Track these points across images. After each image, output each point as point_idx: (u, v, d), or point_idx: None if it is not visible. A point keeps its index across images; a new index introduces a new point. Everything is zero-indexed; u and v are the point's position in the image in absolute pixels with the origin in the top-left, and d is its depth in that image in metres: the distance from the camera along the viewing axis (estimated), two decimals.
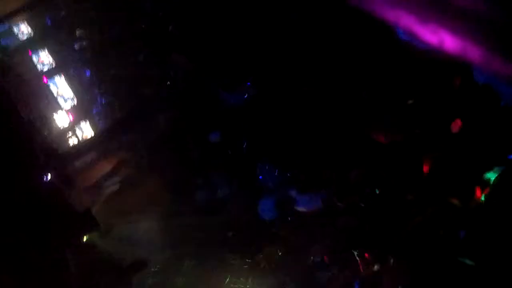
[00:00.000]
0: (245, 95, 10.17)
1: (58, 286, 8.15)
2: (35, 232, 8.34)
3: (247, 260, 10.78)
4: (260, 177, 9.43)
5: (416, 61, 6.00)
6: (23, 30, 18.11)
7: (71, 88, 18.44)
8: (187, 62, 11.95)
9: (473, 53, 4.72)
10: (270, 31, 8.58)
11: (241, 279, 10.59)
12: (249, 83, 9.91)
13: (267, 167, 9.57)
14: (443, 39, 4.70)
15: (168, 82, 13.10)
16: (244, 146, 10.40)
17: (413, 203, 6.51)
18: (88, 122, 18.21)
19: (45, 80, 18.20)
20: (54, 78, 18.31)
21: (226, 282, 10.83)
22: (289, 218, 9.11)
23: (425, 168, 6.37)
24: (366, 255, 7.11)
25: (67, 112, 18.28)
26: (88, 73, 17.60)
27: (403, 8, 4.90)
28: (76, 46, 17.46)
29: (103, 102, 17.50)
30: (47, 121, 16.98)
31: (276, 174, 9.39)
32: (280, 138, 8.99)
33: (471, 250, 5.87)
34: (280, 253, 9.93)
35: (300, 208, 8.05)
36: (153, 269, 11.44)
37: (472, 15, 4.67)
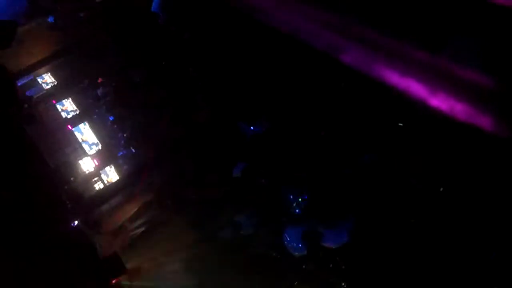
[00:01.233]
0: (262, 127, 10.33)
1: None
2: (62, 276, 8.41)
3: None
4: (286, 202, 9.43)
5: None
6: (47, 80, 18.66)
7: (95, 134, 18.81)
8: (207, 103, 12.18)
9: (481, 120, 4.89)
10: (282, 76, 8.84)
11: None
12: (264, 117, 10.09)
13: (292, 194, 9.57)
14: (453, 107, 4.84)
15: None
16: (266, 178, 10.45)
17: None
18: (113, 167, 18.48)
19: (69, 127, 18.61)
20: (78, 125, 18.73)
21: None
22: (318, 253, 9.02)
23: None
24: None
25: (92, 157, 18.60)
26: (111, 118, 17.94)
27: (413, 77, 5.09)
28: (99, 93, 17.89)
29: (127, 146, 17.78)
30: (73, 167, 17.28)
31: (300, 200, 9.38)
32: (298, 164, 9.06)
33: None
34: None
35: (327, 244, 7.99)
36: None
37: (479, 85, 4.86)
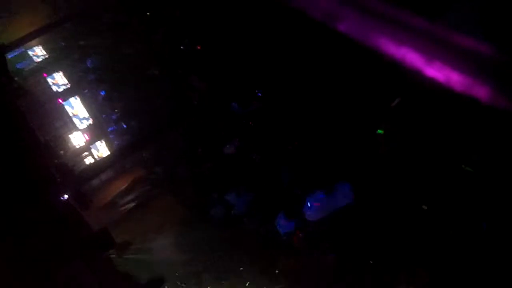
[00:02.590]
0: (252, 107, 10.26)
1: None
2: (51, 249, 8.37)
3: (265, 274, 10.70)
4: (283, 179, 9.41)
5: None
6: (38, 53, 18.42)
7: (86, 108, 18.65)
8: (201, 82, 12.05)
9: (479, 91, 4.79)
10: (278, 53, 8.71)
11: None
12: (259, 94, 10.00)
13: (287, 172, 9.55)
14: (449, 76, 4.74)
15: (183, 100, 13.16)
16: (258, 154, 10.42)
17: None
18: (103, 141, 18.39)
19: (60, 101, 18.43)
20: (69, 99, 18.56)
21: None
22: (304, 230, 9.03)
23: None
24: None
25: (82, 132, 18.48)
26: (103, 93, 17.78)
27: (409, 46, 4.97)
28: (90, 66, 17.69)
29: (118, 121, 17.66)
30: (63, 141, 17.18)
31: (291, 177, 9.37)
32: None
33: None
34: (297, 267, 9.86)
35: (311, 217, 7.97)
36: (170, 285, 11.40)
37: (476, 54, 4.76)
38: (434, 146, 6.21)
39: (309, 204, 8.37)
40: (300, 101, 8.22)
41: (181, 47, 12.85)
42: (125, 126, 17.35)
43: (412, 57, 4.84)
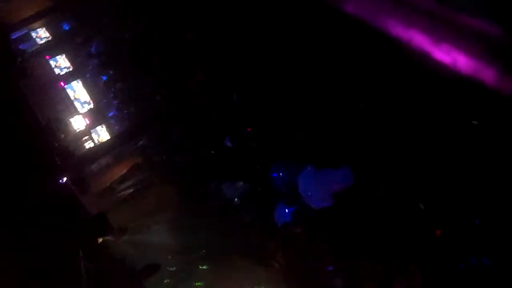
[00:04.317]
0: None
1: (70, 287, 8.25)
2: (49, 233, 8.44)
3: (260, 264, 10.79)
4: (274, 174, 9.43)
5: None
6: (41, 34, 18.39)
7: (88, 92, 18.66)
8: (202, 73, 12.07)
9: (485, 73, 4.69)
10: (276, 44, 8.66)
11: (254, 283, 10.60)
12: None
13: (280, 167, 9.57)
14: (456, 59, 4.69)
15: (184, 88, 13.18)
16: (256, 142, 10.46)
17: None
18: (104, 126, 18.42)
19: (62, 84, 18.44)
20: (71, 82, 18.56)
21: (239, 286, 10.86)
22: (302, 221, 9.09)
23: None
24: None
25: (83, 116, 18.51)
26: (104, 78, 17.79)
27: (416, 28, 4.91)
28: (93, 51, 17.68)
29: (119, 107, 17.68)
30: (64, 124, 17.20)
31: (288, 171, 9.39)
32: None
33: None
34: (293, 258, 9.93)
35: (312, 204, 8.01)
36: (165, 273, 11.50)
37: (484, 36, 4.66)
38: (438, 130, 6.15)
39: (302, 181, 8.36)
40: (303, 86, 8.13)
41: (185, 37, 12.87)
42: (125, 112, 17.38)
43: (419, 39, 4.77)
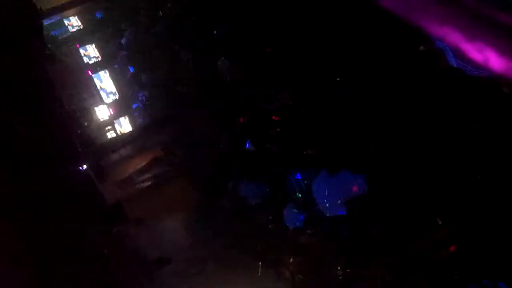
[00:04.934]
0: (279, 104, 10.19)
1: (84, 272, 8.31)
2: (64, 217, 8.52)
3: (270, 269, 10.74)
4: (290, 179, 9.36)
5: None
6: (73, 23, 18.69)
7: (114, 83, 18.87)
8: (234, 69, 12.04)
9: None
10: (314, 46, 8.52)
11: None
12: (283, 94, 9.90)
13: (296, 177, 9.49)
14: (488, 57, 4.54)
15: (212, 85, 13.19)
16: (277, 154, 10.39)
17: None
18: (127, 118, 18.60)
19: (89, 73, 18.68)
20: (98, 72, 18.80)
21: None
22: (315, 228, 9.01)
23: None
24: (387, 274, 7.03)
25: (108, 106, 18.72)
26: (132, 70, 17.95)
27: (451, 25, 4.75)
28: (123, 42, 17.86)
29: (144, 100, 17.83)
30: (88, 113, 17.42)
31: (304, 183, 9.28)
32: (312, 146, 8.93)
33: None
34: (304, 266, 9.87)
35: (326, 211, 7.91)
36: (176, 267, 11.52)
37: None
38: (461, 138, 5.89)
39: (316, 186, 8.25)
40: (331, 88, 7.96)
41: (215, 32, 12.88)
42: (150, 105, 17.51)
43: (454, 36, 4.58)
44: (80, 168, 11.42)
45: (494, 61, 4.40)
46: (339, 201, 7.65)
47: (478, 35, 4.44)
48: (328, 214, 7.77)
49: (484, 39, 4.39)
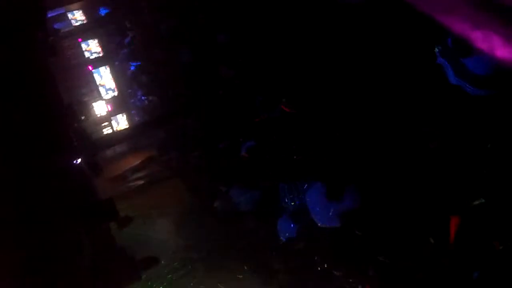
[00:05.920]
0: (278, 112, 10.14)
1: (69, 267, 8.24)
2: (56, 211, 8.46)
3: (258, 275, 10.70)
4: (284, 188, 9.29)
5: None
6: (77, 17, 18.72)
7: (114, 80, 18.88)
8: (231, 73, 12.01)
9: None
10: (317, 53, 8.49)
11: None
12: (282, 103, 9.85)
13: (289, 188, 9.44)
14: (493, 45, 4.43)
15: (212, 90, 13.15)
16: (272, 162, 10.35)
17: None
18: (124, 115, 18.61)
19: (90, 68, 18.68)
20: (99, 67, 18.81)
21: None
22: (306, 239, 8.95)
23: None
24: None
25: (106, 102, 18.73)
26: (133, 68, 17.96)
27: (457, 13, 4.61)
28: (126, 41, 17.89)
29: (142, 99, 17.84)
30: (86, 107, 17.40)
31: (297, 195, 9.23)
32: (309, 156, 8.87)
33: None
34: (293, 276, 9.82)
35: (319, 222, 7.86)
36: (164, 268, 11.49)
37: None
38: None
39: (311, 197, 8.19)
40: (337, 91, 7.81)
41: (217, 38, 12.87)
42: (148, 104, 17.52)
43: (460, 25, 4.41)
44: (74, 161, 11.35)
45: (499, 49, 4.29)
46: (330, 213, 7.58)
47: (484, 22, 4.31)
48: (320, 225, 7.71)
49: (491, 26, 4.26)
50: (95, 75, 18.82)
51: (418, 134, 6.21)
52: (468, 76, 5.08)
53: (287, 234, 9.55)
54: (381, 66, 6.59)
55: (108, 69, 18.87)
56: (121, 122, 18.68)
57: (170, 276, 11.64)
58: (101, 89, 18.87)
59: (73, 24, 18.76)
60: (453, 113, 5.72)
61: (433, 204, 5.97)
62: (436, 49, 5.24)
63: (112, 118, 18.72)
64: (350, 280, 7.78)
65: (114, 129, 18.58)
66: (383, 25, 6.36)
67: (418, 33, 5.68)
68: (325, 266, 8.32)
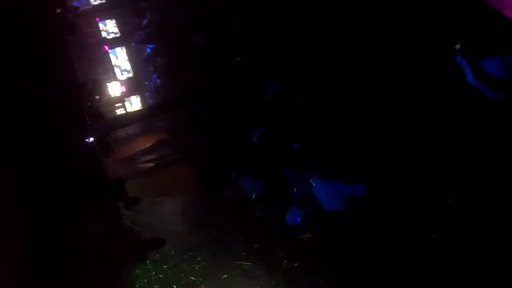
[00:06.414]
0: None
1: (77, 244, 8.31)
2: (64, 187, 8.52)
3: (263, 262, 10.71)
4: (291, 175, 9.27)
5: None
6: None
7: (130, 61, 18.90)
8: (245, 60, 11.96)
9: None
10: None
11: (254, 283, 10.52)
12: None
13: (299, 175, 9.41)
14: None
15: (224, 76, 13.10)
16: (283, 150, 10.32)
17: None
18: (138, 97, 18.66)
19: (106, 48, 18.71)
20: (115, 48, 18.84)
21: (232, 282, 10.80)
22: (313, 227, 8.93)
23: None
24: None
25: (121, 83, 18.78)
26: (149, 50, 17.96)
27: None
28: (144, 23, 17.87)
29: (156, 81, 17.86)
30: (101, 87, 17.46)
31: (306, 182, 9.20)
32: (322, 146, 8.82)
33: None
34: (298, 265, 9.81)
35: (325, 206, 7.83)
36: (170, 250, 11.54)
37: None
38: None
39: (316, 181, 8.16)
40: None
41: (234, 25, 12.81)
42: (162, 86, 17.53)
43: None
44: (86, 140, 11.42)
45: None
46: (339, 197, 7.56)
47: None
48: (327, 208, 7.69)
49: None
50: (111, 56, 18.86)
51: (430, 130, 6.15)
52: (486, 78, 5.02)
53: (294, 222, 9.57)
54: (400, 58, 6.52)
55: (124, 50, 18.91)
56: (134, 104, 18.74)
57: (174, 259, 11.68)
58: (117, 70, 18.91)
59: (92, 3, 18.77)
60: (467, 113, 5.66)
61: (442, 200, 5.92)
62: (457, 46, 5.17)
63: (126, 99, 18.79)
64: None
65: (127, 110, 18.64)
66: (405, 17, 6.29)
67: (440, 28, 5.61)
68: (331, 260, 8.28)
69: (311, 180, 8.56)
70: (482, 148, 5.50)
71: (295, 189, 9.47)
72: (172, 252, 11.66)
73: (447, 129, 6.08)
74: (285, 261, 10.14)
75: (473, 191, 5.57)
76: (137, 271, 11.16)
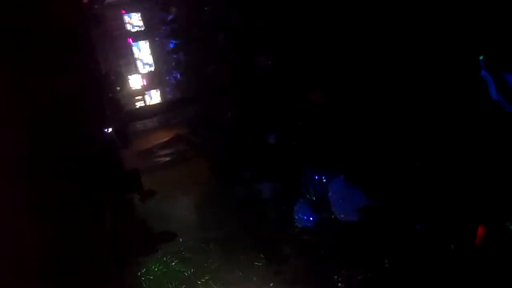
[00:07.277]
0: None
1: (89, 235, 8.36)
2: (80, 176, 8.57)
3: (272, 262, 10.72)
4: (307, 178, 9.26)
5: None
6: None
7: (152, 55, 19.01)
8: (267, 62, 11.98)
9: None
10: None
11: (262, 282, 10.52)
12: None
13: (314, 175, 9.40)
14: None
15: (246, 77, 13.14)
16: (297, 152, 10.33)
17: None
18: (158, 91, 18.75)
19: (130, 41, 18.85)
20: (139, 41, 18.97)
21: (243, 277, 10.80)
22: (324, 231, 8.92)
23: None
24: None
25: (142, 76, 18.89)
26: (172, 45, 18.07)
27: None
28: (169, 18, 17.97)
29: (178, 76, 17.95)
30: (122, 79, 17.60)
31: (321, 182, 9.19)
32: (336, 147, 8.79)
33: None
34: (305, 267, 9.80)
35: (338, 215, 7.84)
36: (180, 245, 11.59)
37: None
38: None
39: (333, 189, 8.15)
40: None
41: (257, 24, 12.84)
42: (182, 82, 17.62)
43: None
44: (105, 130, 11.52)
45: None
46: (352, 208, 7.56)
47: None
48: (341, 218, 7.69)
49: None
50: (134, 49, 18.99)
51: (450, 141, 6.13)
52: (508, 93, 4.97)
53: (305, 223, 9.55)
54: (426, 67, 6.47)
55: (147, 44, 19.03)
56: (154, 98, 18.84)
57: (185, 253, 11.74)
58: (139, 63, 19.04)
59: None
60: (487, 126, 5.60)
61: (460, 212, 5.89)
62: (481, 58, 5.13)
63: (146, 92, 18.90)
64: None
65: (147, 103, 18.75)
66: (432, 29, 6.24)
67: (467, 40, 5.55)
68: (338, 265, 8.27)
69: (329, 185, 8.56)
70: (501, 165, 5.46)
71: (311, 192, 9.48)
72: (182, 247, 11.71)
73: (468, 146, 6.04)
74: (294, 260, 10.17)
75: (491, 207, 5.54)
76: (146, 264, 11.26)
